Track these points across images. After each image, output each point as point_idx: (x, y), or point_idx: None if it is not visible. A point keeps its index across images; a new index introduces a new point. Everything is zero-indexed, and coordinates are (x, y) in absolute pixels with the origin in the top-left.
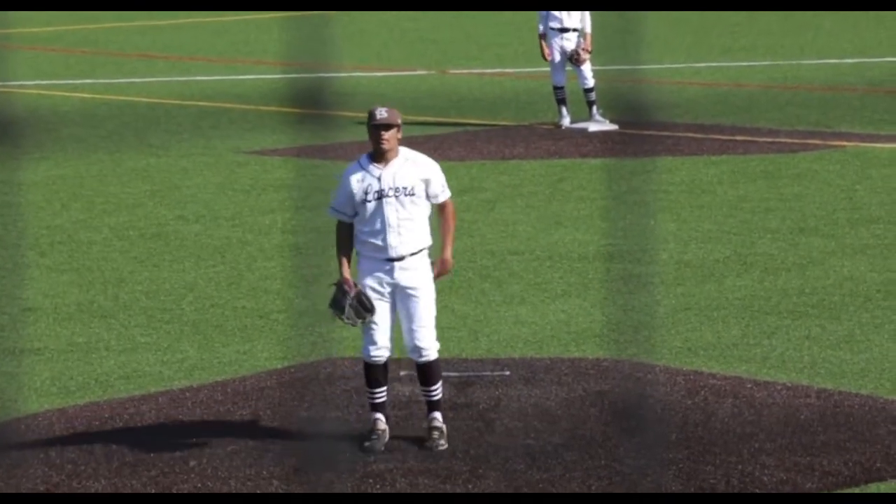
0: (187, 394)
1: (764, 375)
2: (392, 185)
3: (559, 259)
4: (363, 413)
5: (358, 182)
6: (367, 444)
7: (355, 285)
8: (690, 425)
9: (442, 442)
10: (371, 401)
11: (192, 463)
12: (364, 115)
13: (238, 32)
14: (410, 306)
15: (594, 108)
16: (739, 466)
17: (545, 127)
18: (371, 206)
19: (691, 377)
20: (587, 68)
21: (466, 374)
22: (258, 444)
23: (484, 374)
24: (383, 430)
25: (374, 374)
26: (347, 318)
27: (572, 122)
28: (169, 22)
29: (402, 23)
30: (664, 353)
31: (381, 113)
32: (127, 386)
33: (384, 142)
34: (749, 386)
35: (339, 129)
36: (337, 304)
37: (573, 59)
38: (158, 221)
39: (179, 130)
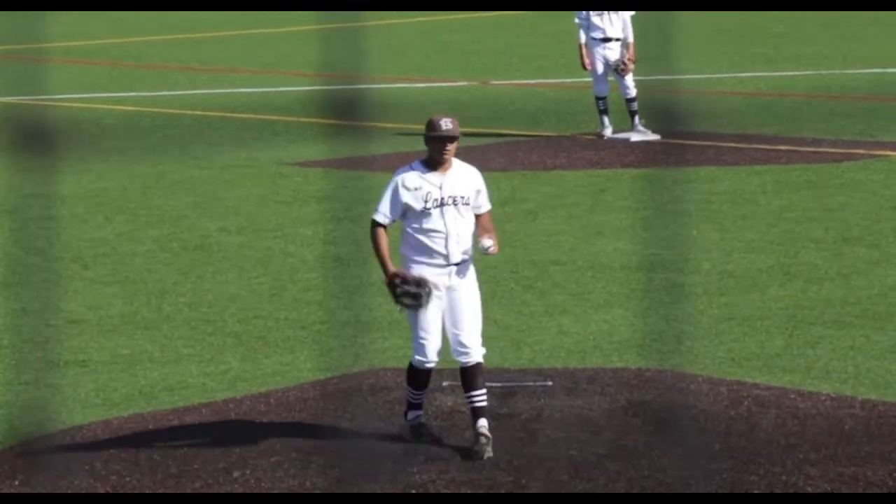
0: (230, 405)
1: (808, 386)
2: (451, 194)
3: (601, 269)
4: (405, 423)
5: (417, 190)
6: (417, 435)
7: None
8: (734, 436)
9: (488, 449)
10: (413, 400)
11: (235, 474)
12: (406, 126)
13: (279, 44)
14: (459, 307)
15: (636, 118)
16: (783, 477)
17: (587, 137)
18: (432, 213)
19: (734, 387)
20: (630, 78)
21: (509, 384)
22: (301, 455)
23: (526, 384)
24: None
25: (421, 377)
26: (416, 301)
27: (614, 132)
28: (211, 34)
29: (444, 35)
30: (707, 363)
31: (447, 124)
32: (171, 397)
33: (447, 152)
34: (793, 396)
35: (380, 141)
36: (405, 296)
37: (618, 69)
38: (201, 233)
39: (222, 142)
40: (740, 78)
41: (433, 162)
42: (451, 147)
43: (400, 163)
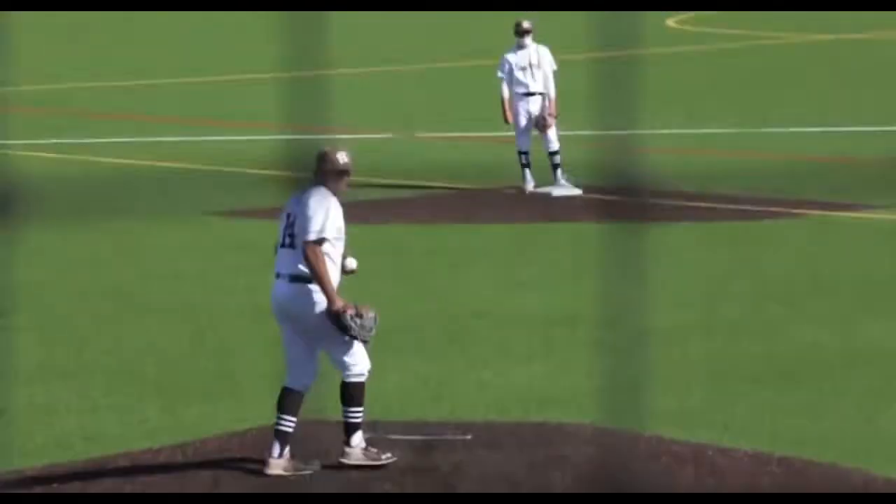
0: (148, 456)
1: (726, 442)
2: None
3: (523, 323)
4: (325, 475)
5: (337, 210)
6: (375, 451)
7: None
8: (653, 492)
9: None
10: (360, 419)
11: None
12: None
13: (204, 94)
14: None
15: (559, 172)
16: None
17: (510, 191)
18: (340, 242)
19: (653, 443)
20: (552, 132)
21: (428, 437)
22: None
23: (446, 437)
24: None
25: (363, 391)
26: (366, 335)
27: (536, 186)
28: (134, 83)
29: (364, 87)
30: (627, 418)
31: (346, 158)
32: (87, 447)
33: (348, 186)
34: (710, 453)
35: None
36: (363, 329)
37: (538, 124)
38: (122, 281)
39: (145, 191)
40: (661, 134)
41: (337, 194)
42: (348, 180)
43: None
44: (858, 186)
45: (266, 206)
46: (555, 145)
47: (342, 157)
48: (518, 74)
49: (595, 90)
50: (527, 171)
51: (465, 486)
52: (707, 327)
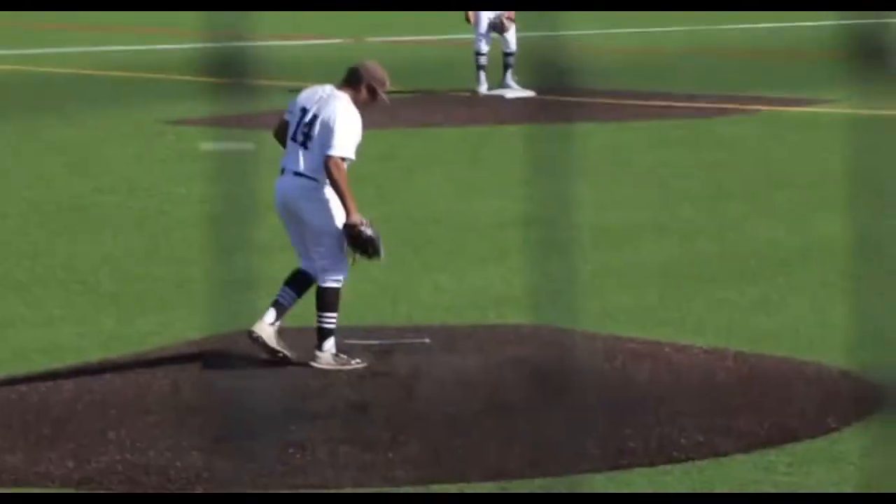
0: (105, 365)
1: (682, 339)
2: None
3: (478, 226)
4: (283, 382)
5: (361, 127)
6: (345, 357)
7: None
8: (609, 389)
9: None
10: (333, 325)
11: (110, 434)
12: (283, 83)
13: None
14: None
15: (509, 73)
16: (658, 429)
17: (463, 94)
18: (357, 153)
19: (610, 342)
20: (511, 34)
21: (386, 341)
22: (178, 415)
23: (404, 341)
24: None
25: (338, 298)
26: (381, 249)
27: (490, 88)
28: None
29: None
30: (582, 317)
31: (384, 73)
32: (44, 359)
33: (375, 102)
34: (667, 350)
35: (256, 98)
36: (370, 244)
37: (496, 27)
38: (75, 193)
39: (95, 101)
40: (614, 34)
41: (355, 103)
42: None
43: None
44: (811, 81)
45: (217, 114)
46: (512, 46)
47: (384, 72)
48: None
49: None
50: (482, 73)
51: (424, 389)
52: (662, 226)
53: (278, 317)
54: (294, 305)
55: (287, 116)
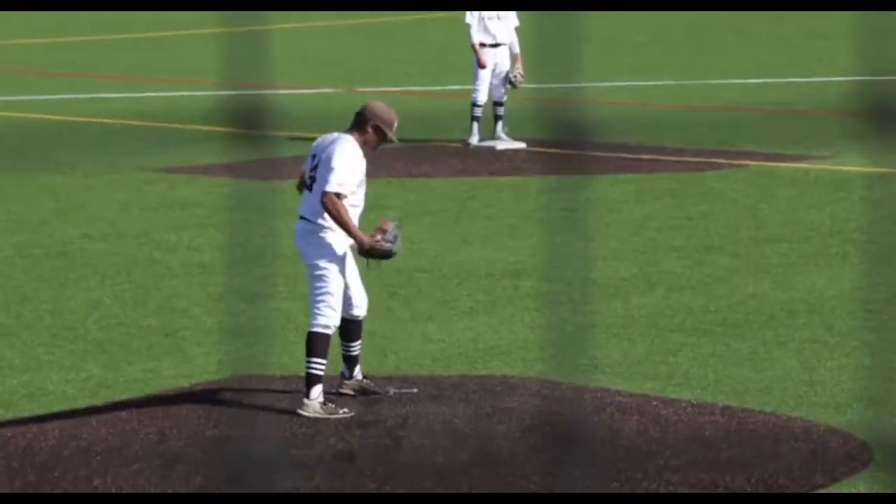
0: (92, 412)
1: (669, 393)
2: (366, 173)
3: (466, 277)
4: (270, 431)
5: (361, 164)
6: (333, 406)
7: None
8: (597, 442)
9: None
10: (320, 371)
11: (96, 482)
12: (271, 133)
13: (142, 51)
14: (355, 268)
15: (500, 124)
16: (644, 483)
17: (453, 145)
18: (361, 188)
19: (598, 395)
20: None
21: (375, 391)
22: (163, 462)
23: (391, 391)
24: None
25: (327, 344)
26: (399, 246)
27: (481, 140)
28: (72, 39)
29: (306, 42)
30: (571, 370)
31: (393, 114)
32: (30, 405)
33: (384, 142)
34: (655, 403)
35: (245, 147)
36: (384, 253)
37: (511, 81)
38: (63, 240)
39: (84, 148)
40: (603, 87)
41: (363, 144)
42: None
43: (268, 169)
44: (800, 138)
45: (206, 162)
46: (504, 96)
47: (390, 112)
48: (488, 24)
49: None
50: (475, 123)
51: (412, 439)
52: (649, 280)
53: (349, 369)
54: (354, 350)
55: (303, 165)
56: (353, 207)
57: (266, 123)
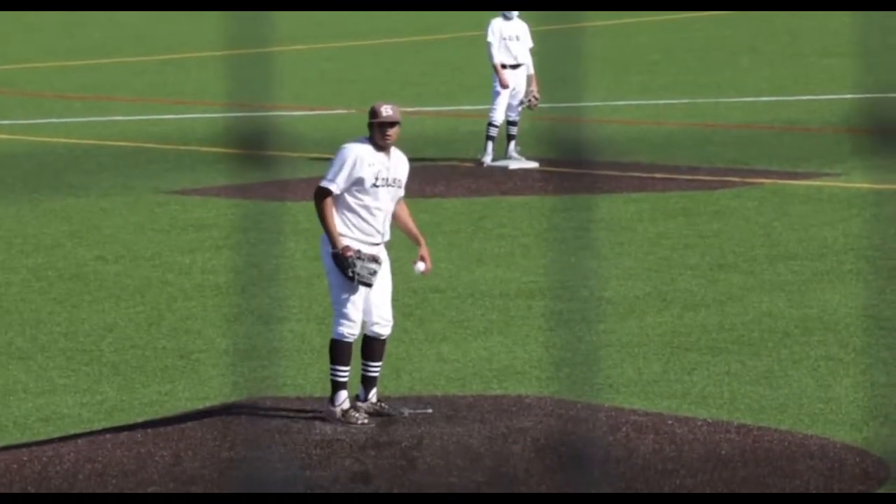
0: (107, 435)
1: (685, 411)
2: (394, 175)
3: (481, 297)
4: (285, 452)
5: (369, 166)
6: (355, 415)
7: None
8: (612, 461)
9: (397, 406)
10: (341, 379)
11: None
12: (285, 154)
13: (156, 73)
14: (383, 282)
15: (512, 144)
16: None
17: (466, 165)
18: (376, 191)
19: (613, 413)
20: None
21: (390, 411)
22: (180, 485)
23: (407, 411)
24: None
25: (347, 351)
26: (367, 277)
27: (494, 160)
28: (85, 62)
29: (320, 63)
30: (585, 389)
31: (388, 111)
32: (46, 428)
33: (388, 137)
34: (670, 422)
35: (258, 169)
36: (364, 270)
37: (530, 103)
38: (77, 262)
39: (98, 170)
40: (616, 106)
41: (376, 145)
42: (393, 132)
43: (281, 190)
44: (812, 155)
45: (219, 184)
46: (518, 116)
47: (384, 109)
48: (509, 45)
49: (550, 62)
50: (490, 143)
51: (427, 460)
52: (664, 298)
53: (365, 391)
54: (373, 371)
55: None
56: (375, 210)
57: (279, 145)
